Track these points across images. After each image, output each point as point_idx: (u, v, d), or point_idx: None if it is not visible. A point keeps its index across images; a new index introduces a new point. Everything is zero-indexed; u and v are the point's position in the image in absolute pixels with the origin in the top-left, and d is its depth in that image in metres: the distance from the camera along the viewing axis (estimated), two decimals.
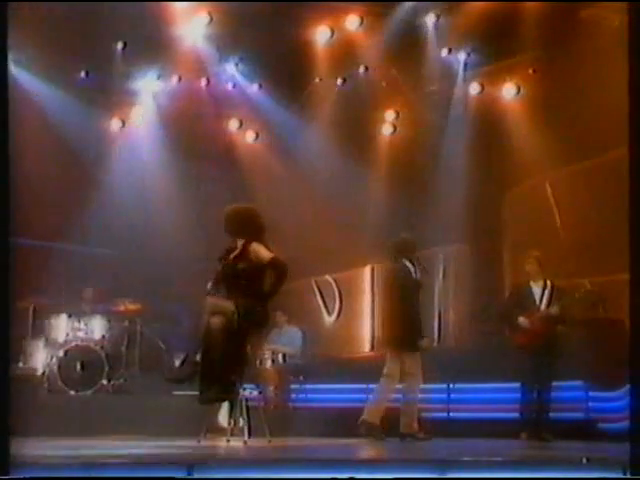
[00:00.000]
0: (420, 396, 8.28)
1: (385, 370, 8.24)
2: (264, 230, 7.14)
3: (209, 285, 7.01)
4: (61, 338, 10.24)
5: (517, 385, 8.56)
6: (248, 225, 7.10)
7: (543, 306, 8.45)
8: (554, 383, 8.40)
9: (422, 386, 8.34)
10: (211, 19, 10.83)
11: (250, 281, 6.99)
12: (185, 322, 10.90)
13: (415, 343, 8.09)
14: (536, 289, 8.55)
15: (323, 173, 12.46)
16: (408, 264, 8.16)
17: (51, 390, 9.82)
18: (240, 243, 7.08)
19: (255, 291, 7.01)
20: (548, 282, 8.55)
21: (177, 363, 10.07)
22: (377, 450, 7.10)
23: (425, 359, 8.59)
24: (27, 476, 3.87)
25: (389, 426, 8.25)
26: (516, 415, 8.58)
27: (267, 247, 7.01)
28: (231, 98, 12.40)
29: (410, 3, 10.67)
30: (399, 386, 8.22)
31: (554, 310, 8.38)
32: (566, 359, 8.57)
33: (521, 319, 8.40)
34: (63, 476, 4.04)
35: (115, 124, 12.97)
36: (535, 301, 8.49)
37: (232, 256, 7.06)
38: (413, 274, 8.15)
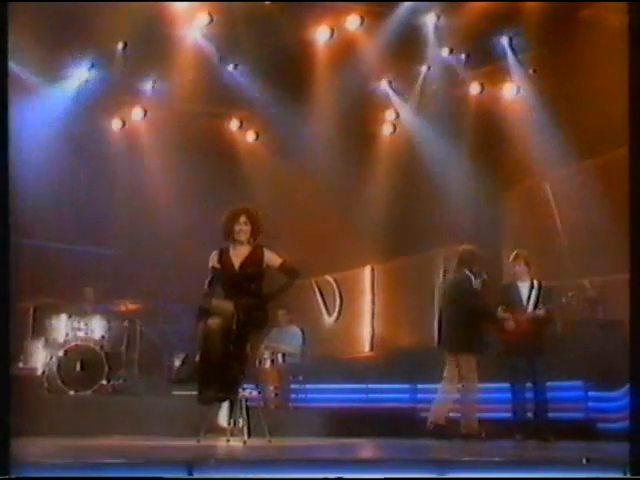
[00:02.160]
0: (480, 396, 8.51)
1: (445, 373, 8.55)
2: (262, 232, 7.16)
3: (206, 287, 7.00)
4: (61, 338, 10.24)
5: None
6: (261, 223, 7.13)
7: (530, 306, 8.44)
8: (548, 382, 8.38)
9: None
10: (211, 19, 10.82)
11: (253, 284, 7.01)
12: (185, 322, 10.89)
13: (472, 347, 8.37)
14: (523, 289, 8.54)
15: (323, 173, 12.45)
16: (469, 274, 8.53)
17: (51, 390, 9.81)
18: (240, 246, 7.08)
19: (255, 292, 7.01)
20: (535, 282, 8.53)
21: (177, 364, 10.15)
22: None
23: (426, 359, 8.63)
24: (27, 476, 3.86)
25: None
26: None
27: (275, 252, 7.09)
28: (231, 98, 12.39)
29: (410, 3, 10.67)
30: (459, 386, 8.49)
31: (540, 312, 8.36)
32: (565, 359, 8.56)
33: (508, 320, 8.41)
34: (63, 476, 4.04)
35: (115, 124, 12.98)
36: (522, 301, 8.48)
37: (240, 261, 7.05)
38: (473, 284, 8.50)
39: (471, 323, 8.43)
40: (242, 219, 7.06)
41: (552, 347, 8.37)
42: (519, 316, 8.38)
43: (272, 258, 7.07)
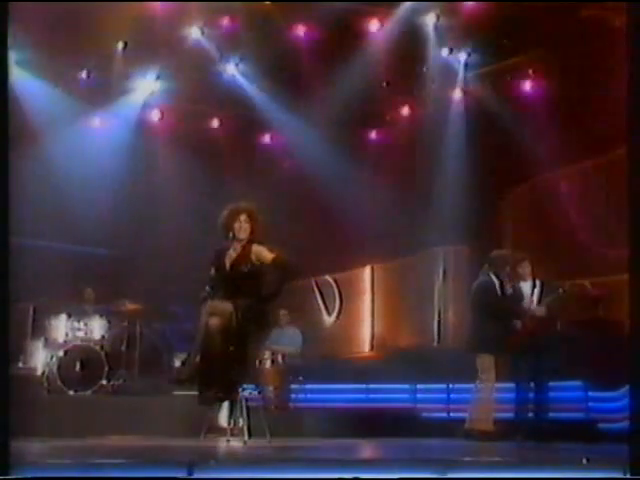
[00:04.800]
0: (496, 395, 8.53)
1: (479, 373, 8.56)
2: (262, 231, 7.14)
3: (207, 289, 7.00)
4: (61, 338, 10.23)
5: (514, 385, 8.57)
6: (260, 221, 7.11)
7: (533, 306, 8.45)
8: (550, 383, 8.39)
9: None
10: (211, 19, 10.82)
11: (250, 283, 6.98)
12: (185, 322, 10.90)
13: (490, 346, 8.42)
14: (526, 290, 8.55)
15: (323, 172, 12.46)
16: (494, 278, 8.62)
17: (51, 390, 9.80)
18: (238, 245, 7.06)
19: (254, 292, 7.00)
20: (538, 282, 8.54)
21: (177, 364, 10.17)
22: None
23: (426, 359, 8.66)
24: (27, 476, 3.86)
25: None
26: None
27: (267, 247, 7.01)
28: (231, 98, 12.38)
29: (410, 3, 10.67)
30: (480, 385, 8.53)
31: (541, 309, 8.37)
32: (566, 359, 8.56)
33: (515, 320, 8.42)
34: (63, 476, 4.04)
35: (114, 124, 12.97)
36: (525, 302, 8.49)
37: (231, 261, 7.03)
38: (496, 288, 8.59)
39: (491, 324, 8.50)
40: (242, 217, 7.02)
41: (553, 347, 8.37)
42: (523, 316, 8.39)
43: (262, 253, 6.93)
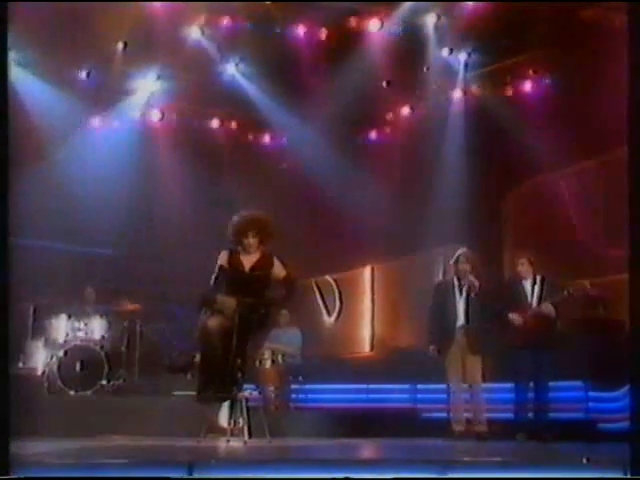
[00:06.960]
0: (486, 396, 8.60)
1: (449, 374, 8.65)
2: (273, 238, 7.23)
3: (212, 282, 7.03)
4: (61, 338, 10.24)
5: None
6: (271, 233, 7.18)
7: (534, 304, 8.44)
8: (551, 382, 8.39)
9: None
10: (211, 19, 10.82)
11: (258, 286, 7.07)
12: (185, 322, 10.90)
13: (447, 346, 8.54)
14: (527, 287, 8.53)
15: (323, 173, 12.45)
16: (454, 280, 8.64)
17: (51, 390, 9.81)
18: (252, 250, 7.12)
19: (260, 293, 7.04)
20: (538, 280, 8.52)
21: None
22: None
23: (426, 359, 8.67)
24: (27, 476, 3.87)
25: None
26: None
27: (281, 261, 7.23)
28: (231, 98, 12.38)
29: (410, 3, 10.67)
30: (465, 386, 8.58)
31: (545, 308, 8.36)
32: (566, 359, 8.55)
33: (512, 317, 8.40)
34: (63, 476, 4.04)
35: (115, 124, 12.97)
36: (527, 299, 8.48)
37: (251, 264, 7.11)
38: (453, 288, 8.58)
39: (445, 326, 8.55)
40: (251, 234, 7.12)
41: (553, 346, 8.37)
42: (525, 314, 8.39)
43: (278, 269, 7.17)
